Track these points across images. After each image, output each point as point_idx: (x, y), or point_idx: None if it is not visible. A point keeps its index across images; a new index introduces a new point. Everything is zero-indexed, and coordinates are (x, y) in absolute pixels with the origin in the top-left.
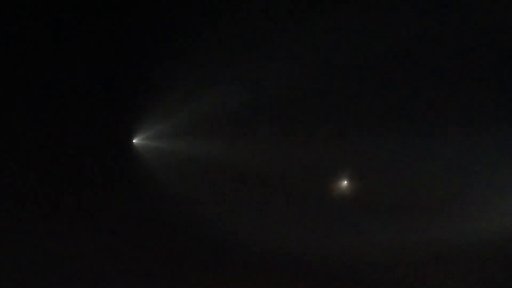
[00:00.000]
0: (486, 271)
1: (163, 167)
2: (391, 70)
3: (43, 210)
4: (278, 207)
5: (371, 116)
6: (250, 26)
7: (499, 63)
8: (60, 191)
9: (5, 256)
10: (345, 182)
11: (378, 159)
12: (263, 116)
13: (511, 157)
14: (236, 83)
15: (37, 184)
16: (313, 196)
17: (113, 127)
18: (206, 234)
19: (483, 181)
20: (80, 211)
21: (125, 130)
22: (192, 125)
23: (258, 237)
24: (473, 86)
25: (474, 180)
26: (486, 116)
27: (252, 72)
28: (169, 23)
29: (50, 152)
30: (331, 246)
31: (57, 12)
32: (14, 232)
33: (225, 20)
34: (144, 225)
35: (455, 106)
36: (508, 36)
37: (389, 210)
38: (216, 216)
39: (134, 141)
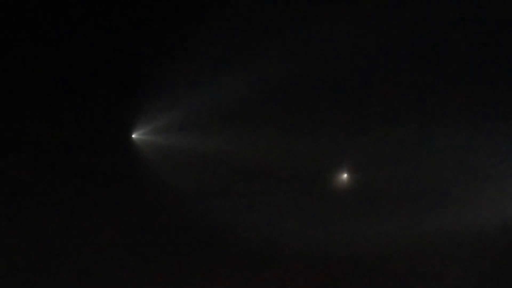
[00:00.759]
0: (486, 262)
1: (161, 161)
2: (390, 64)
3: (42, 205)
4: (278, 200)
5: (371, 109)
6: (247, 22)
7: (494, 56)
8: (59, 186)
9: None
10: (346, 175)
11: (379, 152)
12: (261, 110)
13: (510, 150)
14: (234, 78)
15: (36, 179)
16: (312, 189)
17: (113, 122)
18: (204, 227)
19: (482, 173)
20: (79, 206)
21: (124, 125)
22: (190, 120)
23: (256, 230)
24: (472, 79)
25: (474, 172)
26: (485, 109)
27: (250, 67)
28: (168, 19)
29: (49, 147)
30: (332, 238)
31: (56, 8)
32: (11, 227)
33: (222, 16)
34: (143, 219)
35: (454, 100)
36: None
37: (390, 201)
38: (215, 209)
39: (133, 136)
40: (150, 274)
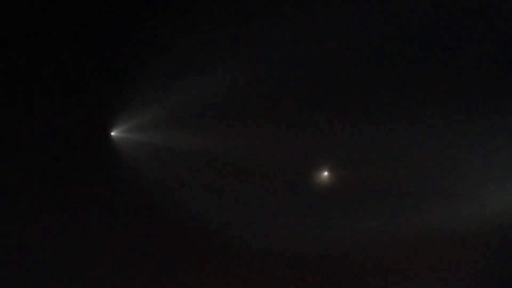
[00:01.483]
0: (472, 256)
1: (141, 159)
2: (374, 60)
3: (21, 204)
4: (261, 196)
5: (357, 106)
6: (230, 19)
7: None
8: (40, 185)
9: None
10: (329, 173)
11: (364, 149)
12: (242, 108)
13: (496, 146)
14: (215, 76)
15: (15, 178)
16: (297, 186)
17: (91, 120)
18: (186, 224)
19: (468, 169)
20: (59, 205)
21: (103, 123)
22: (170, 117)
23: (239, 226)
24: (459, 73)
25: (459, 168)
26: (471, 105)
27: (231, 65)
28: (147, 14)
29: (27, 144)
30: (316, 234)
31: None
32: None
33: (205, 13)
34: (124, 218)
35: (439, 95)
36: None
37: (375, 198)
38: (197, 206)
39: (112, 133)
40: (132, 269)
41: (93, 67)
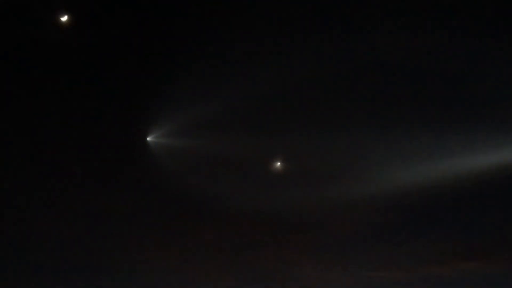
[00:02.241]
0: (383, 218)
1: (173, 161)
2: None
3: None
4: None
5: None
6: (253, 33)
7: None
8: (77, 187)
9: None
10: (281, 163)
11: (306, 147)
12: (266, 113)
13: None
14: (236, 86)
15: (62, 179)
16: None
17: (130, 127)
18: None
19: (372, 161)
20: (100, 204)
21: (140, 129)
22: (199, 124)
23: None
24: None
25: (365, 160)
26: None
27: (254, 73)
28: (183, 24)
29: (69, 149)
30: (272, 201)
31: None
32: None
33: (230, 26)
34: (157, 214)
35: (359, 113)
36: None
37: (311, 178)
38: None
39: (148, 139)
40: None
41: (132, 82)
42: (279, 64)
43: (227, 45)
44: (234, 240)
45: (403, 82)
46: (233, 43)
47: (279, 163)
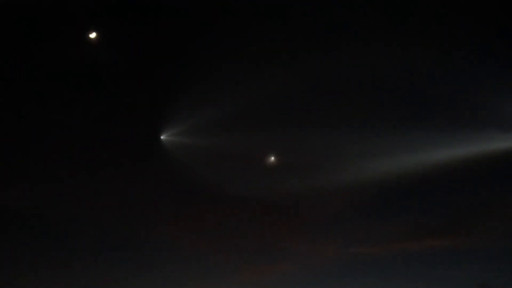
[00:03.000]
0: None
1: (186, 158)
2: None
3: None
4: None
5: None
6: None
7: None
8: (94, 182)
9: None
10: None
11: (299, 143)
12: (278, 113)
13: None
14: (245, 88)
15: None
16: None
17: (145, 126)
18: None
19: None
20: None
21: (154, 128)
22: (210, 123)
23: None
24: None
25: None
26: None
27: (269, 74)
28: (197, 26)
29: (86, 147)
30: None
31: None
32: None
33: (248, 23)
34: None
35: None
36: None
37: (302, 170)
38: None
39: (162, 137)
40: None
41: (147, 83)
42: (283, 69)
43: (236, 49)
44: (234, 221)
45: (376, 88)
46: (241, 47)
47: (276, 157)
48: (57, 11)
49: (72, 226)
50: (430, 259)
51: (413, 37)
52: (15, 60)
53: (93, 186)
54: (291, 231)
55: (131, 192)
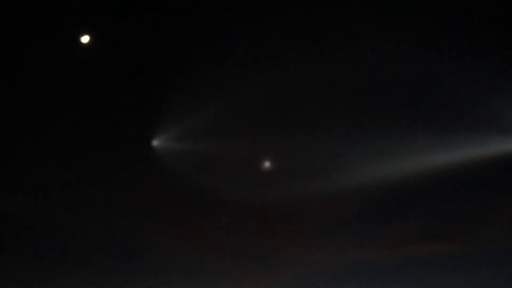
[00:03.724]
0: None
1: (178, 165)
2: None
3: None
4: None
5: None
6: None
7: None
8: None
9: None
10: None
11: (297, 147)
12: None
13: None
14: (240, 91)
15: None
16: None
17: (135, 131)
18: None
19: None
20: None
21: (145, 134)
22: (205, 127)
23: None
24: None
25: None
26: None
27: (266, 75)
28: (188, 27)
29: (71, 154)
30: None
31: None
32: None
33: (243, 24)
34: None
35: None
36: None
37: (301, 175)
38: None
39: (155, 142)
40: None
41: (137, 86)
42: (282, 71)
43: (231, 51)
44: (232, 228)
45: (376, 89)
46: (237, 49)
47: (272, 162)
48: (44, 12)
49: (63, 234)
50: (432, 264)
51: (412, 39)
52: None
53: (85, 193)
54: (290, 237)
55: (125, 199)
